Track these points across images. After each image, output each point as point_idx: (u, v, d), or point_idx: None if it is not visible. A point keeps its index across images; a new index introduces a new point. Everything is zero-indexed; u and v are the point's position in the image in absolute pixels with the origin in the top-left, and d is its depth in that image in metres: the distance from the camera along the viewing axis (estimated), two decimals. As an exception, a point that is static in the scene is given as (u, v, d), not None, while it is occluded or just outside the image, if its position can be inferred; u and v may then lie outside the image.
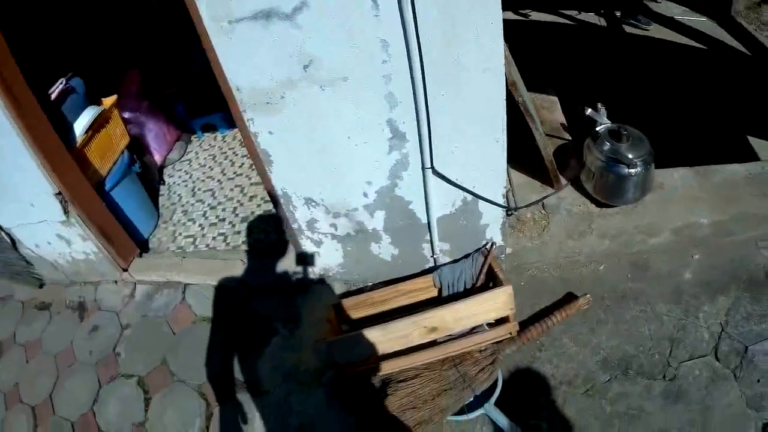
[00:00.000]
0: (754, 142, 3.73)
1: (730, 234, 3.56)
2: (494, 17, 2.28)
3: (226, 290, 3.68)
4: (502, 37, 2.37)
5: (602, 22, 5.63)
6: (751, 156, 3.65)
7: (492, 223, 3.14)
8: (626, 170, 3.05)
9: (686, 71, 4.86)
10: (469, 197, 2.96)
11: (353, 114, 2.57)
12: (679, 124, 4.26)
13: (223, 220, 3.96)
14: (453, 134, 2.67)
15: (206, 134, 4.96)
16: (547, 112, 3.71)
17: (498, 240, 3.26)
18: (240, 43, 2.31)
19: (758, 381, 3.00)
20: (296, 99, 2.49)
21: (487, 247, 3.24)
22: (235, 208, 4.03)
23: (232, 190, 4.21)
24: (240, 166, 4.38)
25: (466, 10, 2.24)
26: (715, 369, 3.04)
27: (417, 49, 2.31)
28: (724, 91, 4.52)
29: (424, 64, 2.37)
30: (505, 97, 2.62)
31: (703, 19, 5.98)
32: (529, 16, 5.66)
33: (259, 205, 3.99)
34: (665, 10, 5.98)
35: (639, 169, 3.07)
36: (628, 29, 5.58)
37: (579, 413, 2.89)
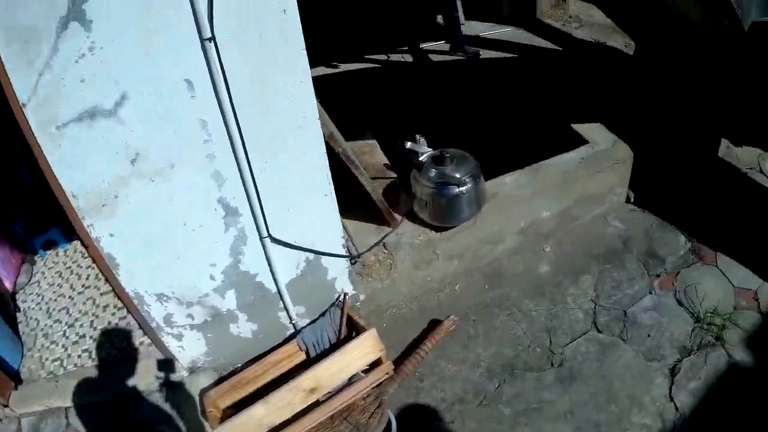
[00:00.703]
0: (580, 128, 3.96)
1: (576, 218, 3.77)
2: (303, 77, 2.38)
3: (104, 406, 3.54)
4: (314, 96, 2.46)
5: (409, 58, 5.85)
6: (582, 141, 3.88)
7: (339, 275, 3.18)
8: (456, 190, 3.17)
9: (506, 81, 5.12)
10: (312, 256, 2.99)
11: (185, 199, 2.54)
12: (509, 133, 4.47)
13: (84, 336, 3.80)
14: (283, 198, 2.71)
15: (48, 252, 4.80)
16: (369, 156, 3.80)
17: (349, 289, 3.30)
18: (69, 147, 2.24)
19: (648, 336, 3.21)
20: (129, 195, 2.44)
21: (341, 299, 3.26)
22: (92, 322, 3.89)
23: (84, 303, 4.05)
24: (87, 278, 4.27)
25: (276, 75, 2.32)
26: (600, 341, 3.22)
27: (235, 122, 2.35)
28: (545, 89, 4.79)
29: (244, 136, 2.40)
30: (325, 152, 2.69)
31: (509, 29, 6.34)
32: (339, 67, 5.81)
33: (114, 314, 3.87)
34: (471, 30, 6.29)
35: (469, 185, 3.19)
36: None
37: (481, 425, 2.95)
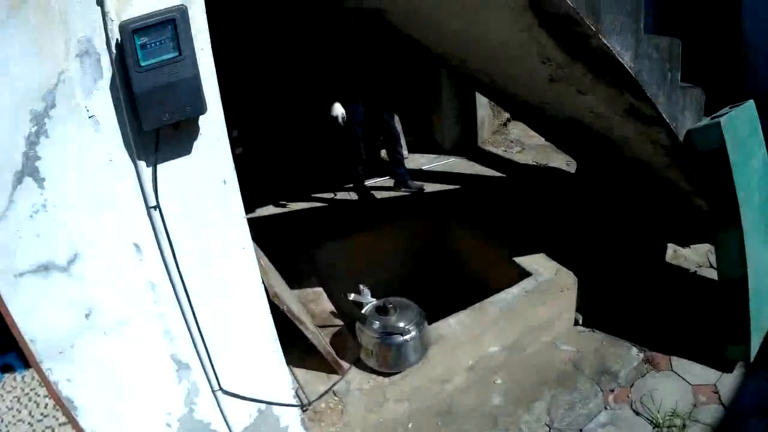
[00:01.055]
0: (523, 260, 4.08)
1: (524, 348, 3.80)
2: (245, 242, 2.50)
3: None
4: (256, 259, 2.55)
5: (353, 195, 6.01)
6: (526, 274, 3.99)
7: (291, 423, 3.13)
8: (401, 339, 3.22)
9: (449, 216, 5.23)
10: (263, 405, 2.97)
11: (138, 353, 2.53)
12: (455, 270, 4.58)
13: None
14: (232, 353, 2.72)
15: (6, 375, 4.73)
16: (314, 304, 3.86)
17: (303, 434, 3.27)
18: (27, 297, 2.24)
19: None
20: (85, 347, 2.41)
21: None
22: (53, 450, 3.83)
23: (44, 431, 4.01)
24: (45, 407, 4.22)
25: (218, 240, 2.42)
26: (558, 464, 3.15)
27: (181, 284, 2.40)
28: (488, 221, 4.89)
29: (191, 297, 2.45)
30: (268, 309, 2.74)
31: (451, 159, 6.58)
32: (287, 206, 5.92)
33: (75, 447, 3.79)
34: (415, 163, 6.55)
35: (413, 333, 3.24)
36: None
37: None
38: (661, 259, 4.54)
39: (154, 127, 2.09)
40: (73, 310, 2.36)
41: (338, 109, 5.51)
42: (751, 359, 3.43)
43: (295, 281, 3.99)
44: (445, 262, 4.85)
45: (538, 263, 4.00)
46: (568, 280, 3.90)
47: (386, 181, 6.24)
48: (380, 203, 5.82)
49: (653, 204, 4.68)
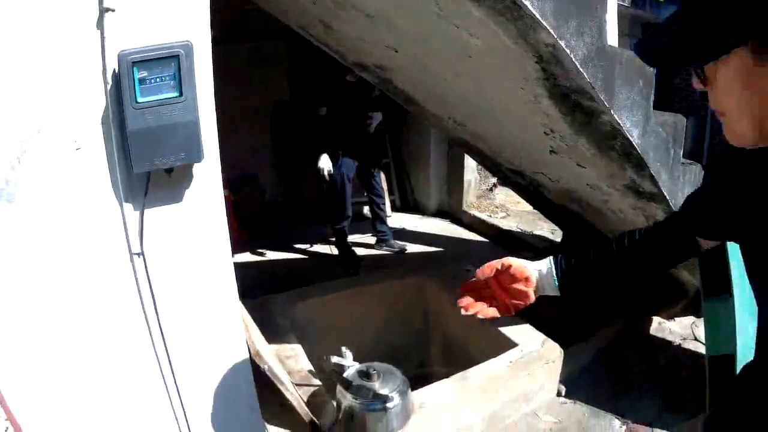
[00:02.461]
0: (508, 330, 3.96)
1: (506, 418, 3.66)
2: (230, 298, 2.39)
3: None
4: (240, 312, 2.48)
5: (335, 250, 5.90)
6: (511, 344, 3.84)
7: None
8: (383, 405, 3.07)
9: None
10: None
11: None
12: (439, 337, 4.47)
13: None
14: (209, 407, 2.57)
15: None
16: (293, 361, 3.67)
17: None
18: None
19: None
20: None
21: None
22: None
23: None
24: None
25: (203, 286, 2.31)
26: None
27: (160, 335, 2.27)
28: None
29: (169, 349, 2.33)
30: (250, 367, 2.62)
31: (436, 221, 6.56)
32: (265, 254, 5.88)
33: None
34: (398, 222, 6.51)
35: (396, 401, 3.09)
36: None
37: None
38: (645, 331, 4.48)
39: (146, 170, 1.94)
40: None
41: (325, 162, 5.43)
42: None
43: (272, 336, 3.84)
44: (426, 326, 4.72)
45: (523, 333, 3.89)
46: (553, 352, 3.78)
47: (368, 238, 6.15)
48: (361, 261, 5.71)
49: (639, 277, 4.65)
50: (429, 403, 3.34)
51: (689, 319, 4.55)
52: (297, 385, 3.34)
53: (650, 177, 3.16)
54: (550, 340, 3.81)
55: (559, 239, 5.82)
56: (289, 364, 3.67)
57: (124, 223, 2.06)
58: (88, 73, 1.86)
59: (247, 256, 5.78)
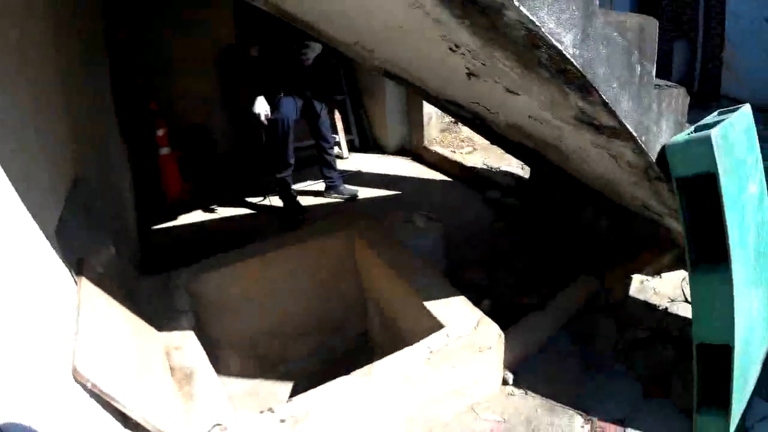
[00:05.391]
0: (433, 306, 3.00)
1: (431, 420, 2.82)
2: None
3: None
4: None
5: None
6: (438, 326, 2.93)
7: None
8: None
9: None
10: None
11: None
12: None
13: None
14: None
15: None
16: (179, 354, 2.81)
17: None
18: None
19: None
20: None
21: None
22: None
23: None
24: None
25: None
26: None
27: None
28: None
29: None
30: None
31: (396, 159, 5.82)
32: (216, 210, 5.23)
33: None
34: (354, 164, 5.72)
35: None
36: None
37: None
38: (624, 293, 3.57)
39: None
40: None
41: (261, 106, 4.52)
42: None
43: (164, 321, 3.01)
44: (360, 293, 3.87)
45: (453, 311, 2.97)
46: (489, 336, 2.86)
47: (318, 184, 5.32)
48: (304, 212, 4.89)
49: (620, 221, 3.76)
50: (315, 412, 2.51)
51: (679, 275, 3.59)
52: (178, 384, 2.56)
53: (603, 104, 2.16)
54: (486, 318, 2.88)
55: (527, 176, 4.90)
56: (175, 358, 2.86)
57: None
58: None
59: (198, 215, 5.05)
